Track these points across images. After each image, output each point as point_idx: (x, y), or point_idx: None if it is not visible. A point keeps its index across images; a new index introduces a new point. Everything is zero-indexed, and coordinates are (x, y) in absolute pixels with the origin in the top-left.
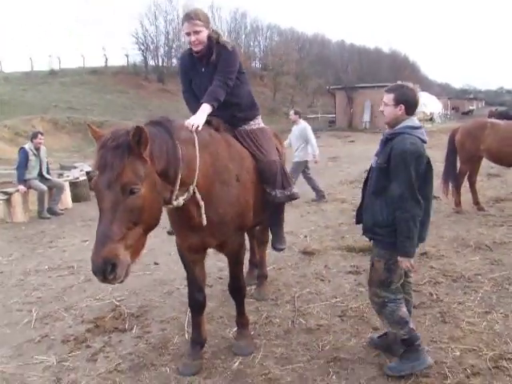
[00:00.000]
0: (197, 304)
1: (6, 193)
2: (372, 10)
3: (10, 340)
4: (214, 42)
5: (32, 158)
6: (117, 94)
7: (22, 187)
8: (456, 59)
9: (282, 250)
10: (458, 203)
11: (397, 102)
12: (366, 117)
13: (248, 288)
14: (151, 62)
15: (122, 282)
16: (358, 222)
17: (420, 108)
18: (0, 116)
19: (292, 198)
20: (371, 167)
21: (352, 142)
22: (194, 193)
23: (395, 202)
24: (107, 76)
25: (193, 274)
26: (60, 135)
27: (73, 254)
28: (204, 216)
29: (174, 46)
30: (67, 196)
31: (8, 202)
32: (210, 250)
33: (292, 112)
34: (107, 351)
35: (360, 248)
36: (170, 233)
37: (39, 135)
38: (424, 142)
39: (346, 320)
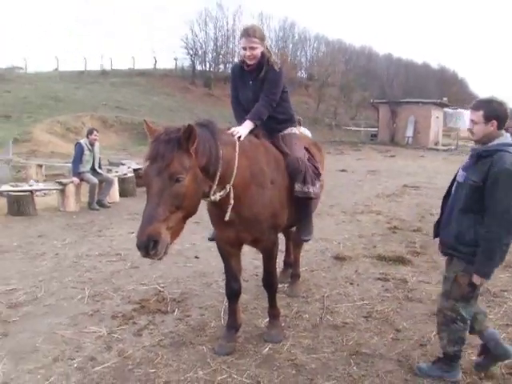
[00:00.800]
0: (232, 292)
1: (61, 183)
2: (422, 25)
3: (66, 311)
4: (265, 59)
5: (87, 152)
6: (164, 96)
7: (75, 179)
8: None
9: (307, 240)
10: None
11: (487, 119)
12: (409, 132)
13: (281, 285)
14: (199, 67)
15: (160, 259)
16: (435, 236)
17: (465, 126)
18: (54, 112)
19: (307, 195)
20: (457, 183)
21: (393, 156)
22: (228, 192)
23: (487, 220)
24: (155, 78)
25: (229, 265)
26: (108, 133)
27: (120, 243)
28: (229, 213)
29: (222, 52)
30: (115, 190)
31: (62, 192)
32: (247, 250)
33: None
34: (151, 328)
35: (390, 258)
36: (210, 239)
37: (94, 132)
38: None
39: (371, 321)
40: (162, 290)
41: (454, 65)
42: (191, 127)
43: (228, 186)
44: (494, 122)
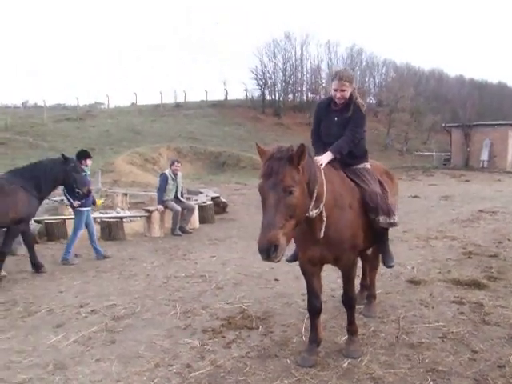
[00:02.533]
0: (314, 309)
1: (147, 210)
2: (494, 44)
3: (162, 325)
4: (353, 100)
5: (170, 182)
6: (235, 126)
7: (160, 207)
8: None
9: (391, 266)
10: None
11: None
12: (484, 156)
13: (358, 306)
14: (268, 97)
15: (279, 261)
16: None
17: None
18: (133, 144)
19: (392, 225)
20: None
21: (467, 181)
22: (321, 211)
23: None
24: (227, 109)
25: (311, 283)
26: (183, 163)
27: (203, 266)
28: (323, 230)
29: (291, 81)
30: (196, 217)
31: (148, 218)
32: (325, 274)
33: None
34: (239, 342)
35: (466, 282)
36: (288, 261)
37: (176, 163)
38: None
39: (447, 341)
40: (246, 308)
41: None
42: (304, 146)
43: (321, 205)
44: None
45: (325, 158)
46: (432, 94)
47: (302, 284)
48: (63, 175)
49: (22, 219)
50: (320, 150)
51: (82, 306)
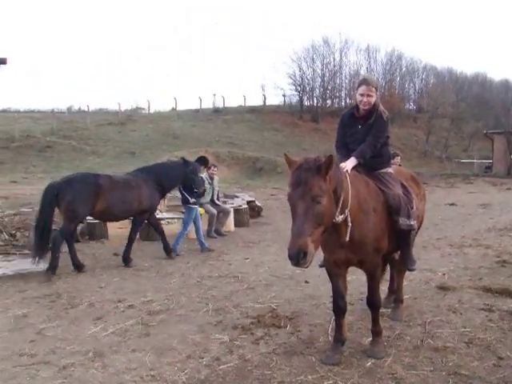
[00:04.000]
0: (339, 309)
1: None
2: None
3: (194, 321)
4: (375, 108)
5: (207, 185)
6: (273, 132)
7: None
8: None
9: (412, 270)
10: None
11: None
12: None
13: (385, 310)
14: (306, 103)
15: (307, 267)
16: None
17: None
18: (172, 148)
19: (411, 228)
20: None
21: (508, 189)
22: (347, 216)
23: None
24: (265, 114)
25: (337, 284)
26: (221, 167)
27: (237, 267)
28: (349, 234)
29: (329, 87)
30: (231, 221)
31: None
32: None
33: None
34: (266, 339)
35: (497, 290)
36: (320, 266)
37: (212, 167)
38: None
39: (472, 347)
40: (275, 308)
41: None
42: (332, 157)
43: (346, 211)
44: None
45: (349, 164)
46: (475, 99)
47: (331, 287)
48: (183, 176)
49: (146, 210)
50: (344, 157)
51: (120, 301)
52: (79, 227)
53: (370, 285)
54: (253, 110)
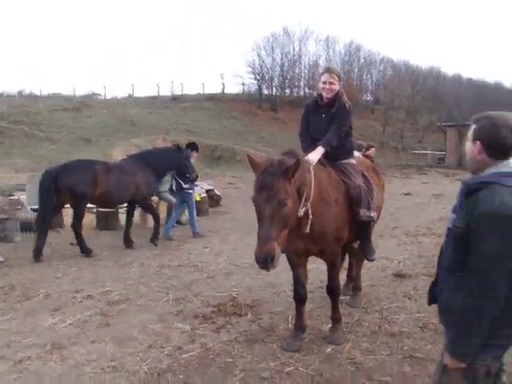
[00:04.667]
0: (300, 297)
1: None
2: (493, 43)
3: (155, 310)
4: (338, 97)
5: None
6: (231, 120)
7: (155, 198)
8: None
9: (372, 260)
10: None
11: (473, 138)
12: None
13: (344, 297)
14: (265, 91)
15: (274, 269)
16: (430, 303)
17: None
18: (129, 135)
19: (370, 219)
20: (447, 230)
21: (459, 180)
22: (308, 208)
23: (466, 282)
24: (223, 103)
25: (297, 273)
26: None
27: (196, 256)
28: (309, 226)
29: (289, 77)
30: None
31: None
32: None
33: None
34: (228, 327)
35: None
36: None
37: None
38: None
39: (426, 331)
40: (236, 296)
41: None
42: (299, 162)
43: (308, 203)
44: (478, 143)
45: (316, 154)
46: (429, 92)
47: (292, 275)
48: (176, 162)
49: (143, 194)
50: (309, 147)
51: (77, 292)
52: (34, 216)
53: (330, 273)
54: (211, 98)
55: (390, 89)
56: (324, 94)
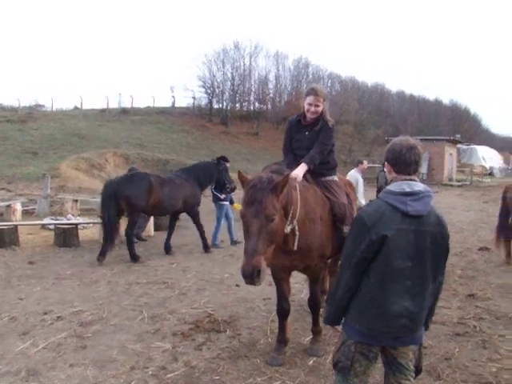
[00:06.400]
0: (283, 311)
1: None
2: (433, 62)
3: (131, 330)
4: (321, 116)
5: None
6: (182, 134)
7: None
8: None
9: None
10: (508, 255)
11: (384, 160)
12: (423, 169)
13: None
14: (216, 105)
15: (260, 284)
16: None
17: (479, 162)
18: (78, 149)
19: None
20: None
21: None
22: (294, 226)
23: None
24: (174, 116)
25: (281, 288)
26: None
27: (164, 273)
28: (296, 243)
29: (239, 91)
30: (151, 225)
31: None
32: None
33: (366, 162)
34: (209, 344)
35: None
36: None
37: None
38: (404, 212)
39: None
40: (212, 312)
41: (465, 100)
42: (288, 178)
43: (295, 221)
44: (387, 164)
45: (300, 170)
46: (375, 107)
47: (263, 290)
48: (217, 173)
49: (190, 204)
50: (291, 162)
51: (46, 313)
52: None
53: (312, 288)
54: (162, 112)
55: (337, 104)
56: (308, 115)
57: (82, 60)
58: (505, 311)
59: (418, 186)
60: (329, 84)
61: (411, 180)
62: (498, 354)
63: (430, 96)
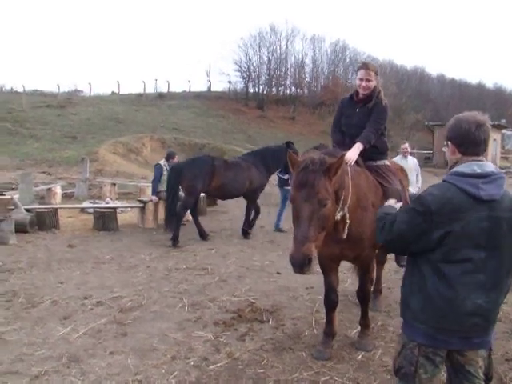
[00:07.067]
0: (331, 302)
1: (142, 201)
2: (475, 44)
3: (172, 317)
4: (375, 93)
5: (165, 173)
6: (218, 119)
7: (154, 198)
8: None
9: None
10: None
11: (446, 140)
12: None
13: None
14: (252, 90)
15: (310, 273)
16: None
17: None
18: (115, 133)
19: None
20: None
21: None
22: (345, 213)
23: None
24: (210, 100)
25: (330, 279)
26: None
27: (203, 258)
28: (346, 231)
29: (275, 75)
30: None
31: (142, 209)
32: None
33: (407, 144)
34: (252, 335)
35: None
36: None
37: (176, 156)
38: (476, 197)
39: None
40: (253, 301)
41: (511, 84)
42: (342, 159)
43: (346, 208)
44: (449, 144)
45: (354, 152)
46: (414, 92)
47: (305, 278)
48: (285, 158)
49: (256, 188)
50: (339, 141)
51: (86, 298)
52: (28, 216)
53: (362, 279)
54: (198, 96)
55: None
56: (360, 91)
57: (119, 45)
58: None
59: (490, 167)
60: None
61: (480, 161)
62: None
63: (473, 80)
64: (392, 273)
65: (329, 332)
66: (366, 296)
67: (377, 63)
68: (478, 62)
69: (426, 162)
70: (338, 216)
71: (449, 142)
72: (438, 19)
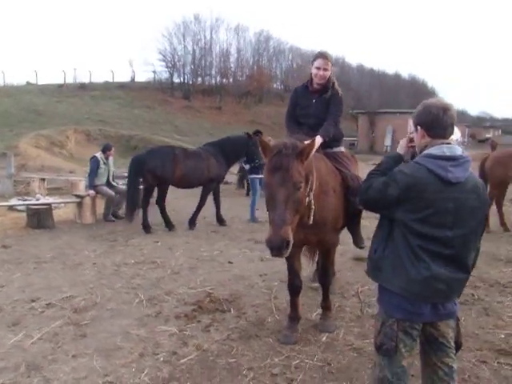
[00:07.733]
0: (295, 288)
1: (78, 196)
2: (391, 34)
3: (131, 314)
4: (330, 84)
5: (102, 166)
6: (144, 109)
7: (91, 192)
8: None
9: (362, 247)
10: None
11: (415, 125)
12: (388, 141)
13: (317, 284)
14: (177, 80)
15: (286, 256)
16: None
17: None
18: (36, 126)
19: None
20: None
21: (374, 164)
22: (311, 199)
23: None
24: (134, 91)
25: (292, 264)
26: (92, 146)
27: (151, 252)
28: (312, 217)
29: (200, 65)
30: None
31: (79, 204)
32: None
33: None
34: (216, 325)
35: None
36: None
37: (113, 149)
38: (444, 180)
39: None
40: (211, 291)
41: (423, 74)
42: (313, 144)
43: (311, 194)
44: (419, 128)
45: (316, 145)
46: (336, 81)
47: (257, 266)
48: (246, 149)
49: (213, 179)
50: (294, 131)
51: (33, 301)
52: None
53: (324, 263)
54: (122, 87)
55: (298, 77)
56: (316, 80)
57: (34, 32)
58: (495, 278)
59: (458, 151)
60: (290, 58)
61: (449, 143)
62: (502, 321)
63: (389, 70)
64: (338, 256)
65: (294, 316)
66: (327, 279)
67: (299, 52)
68: (394, 53)
69: (350, 148)
70: (306, 201)
71: (418, 127)
72: (357, 11)
